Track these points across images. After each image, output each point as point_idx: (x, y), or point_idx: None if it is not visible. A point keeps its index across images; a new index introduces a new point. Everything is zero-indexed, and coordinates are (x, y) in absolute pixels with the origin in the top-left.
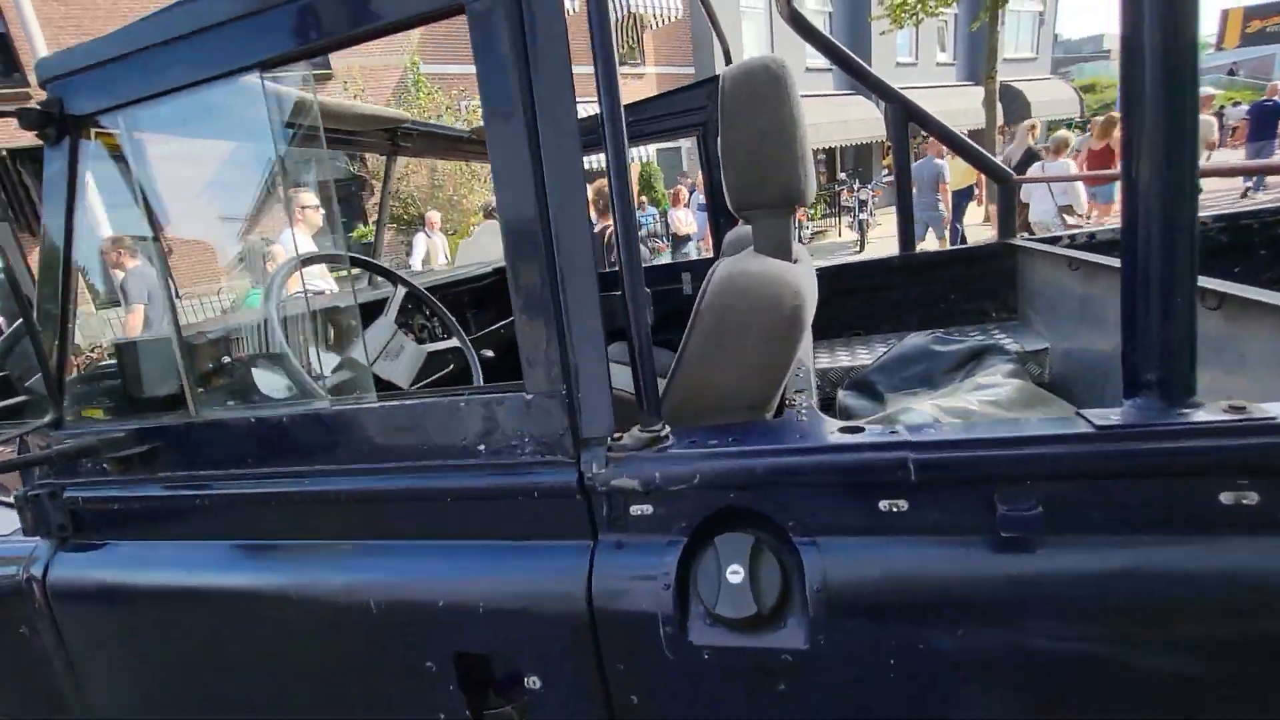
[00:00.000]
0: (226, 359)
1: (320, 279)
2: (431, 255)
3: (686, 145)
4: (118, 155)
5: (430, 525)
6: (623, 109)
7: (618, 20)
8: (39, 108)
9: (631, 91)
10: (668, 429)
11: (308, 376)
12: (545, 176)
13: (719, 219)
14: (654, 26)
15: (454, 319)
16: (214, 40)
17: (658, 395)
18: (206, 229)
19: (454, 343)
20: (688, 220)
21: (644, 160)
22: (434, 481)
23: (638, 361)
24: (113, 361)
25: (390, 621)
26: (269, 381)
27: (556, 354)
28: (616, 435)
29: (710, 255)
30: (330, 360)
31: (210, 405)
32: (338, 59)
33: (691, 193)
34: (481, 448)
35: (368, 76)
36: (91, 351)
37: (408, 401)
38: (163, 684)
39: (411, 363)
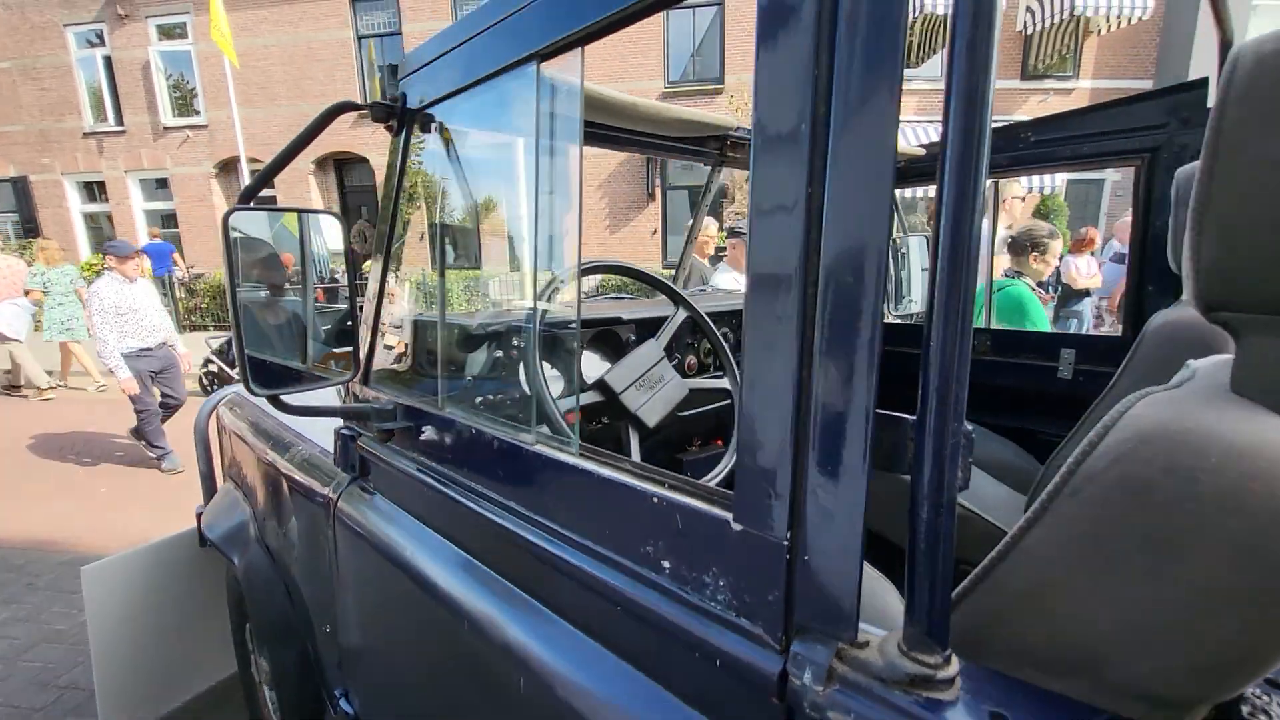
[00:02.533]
0: (483, 358)
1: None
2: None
3: (1116, 177)
4: (435, 147)
5: (599, 624)
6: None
7: (1055, 25)
8: (387, 102)
9: (1053, 109)
10: (955, 665)
11: (553, 406)
12: (825, 216)
13: (1145, 287)
14: (1104, 30)
15: (731, 358)
16: (526, 20)
17: (948, 595)
18: (502, 224)
19: (724, 383)
20: (1089, 271)
21: (1047, 192)
22: (610, 578)
23: (926, 526)
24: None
25: (529, 696)
26: (508, 390)
27: (786, 480)
28: (859, 639)
29: (1114, 334)
30: (575, 375)
31: (453, 400)
32: (730, 75)
33: (1107, 241)
34: (666, 564)
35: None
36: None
37: (603, 470)
38: (379, 633)
39: (668, 398)
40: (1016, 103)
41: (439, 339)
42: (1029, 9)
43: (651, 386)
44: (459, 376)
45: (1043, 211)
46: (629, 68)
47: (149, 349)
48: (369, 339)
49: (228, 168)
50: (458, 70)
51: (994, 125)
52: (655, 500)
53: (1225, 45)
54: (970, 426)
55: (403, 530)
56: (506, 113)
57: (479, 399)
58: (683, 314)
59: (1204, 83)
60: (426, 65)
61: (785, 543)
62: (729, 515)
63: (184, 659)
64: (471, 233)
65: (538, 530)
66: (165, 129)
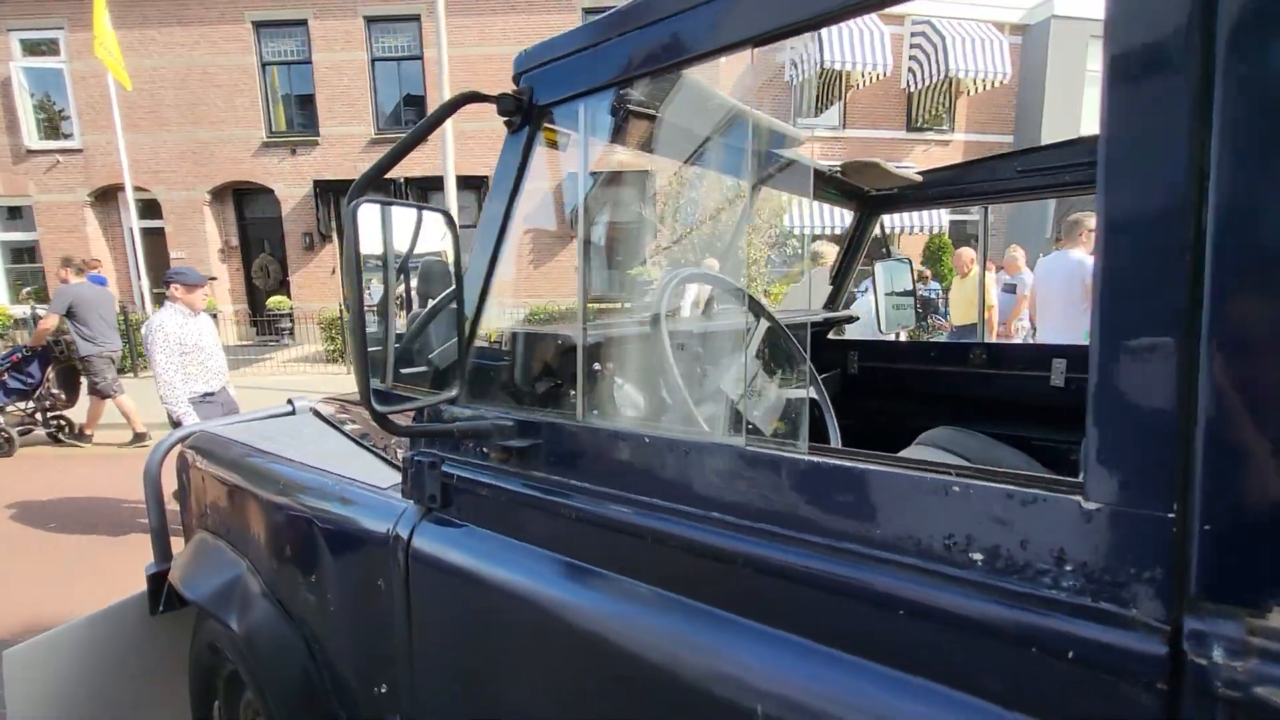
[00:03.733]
0: (613, 365)
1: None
2: (700, 301)
3: (992, 218)
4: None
5: (863, 636)
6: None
7: (933, 85)
8: (511, 95)
9: (934, 159)
10: None
11: (693, 408)
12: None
13: None
14: (972, 91)
15: (815, 369)
16: (699, 18)
17: None
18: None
19: (808, 394)
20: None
21: (935, 232)
22: (892, 583)
23: None
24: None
25: None
26: (651, 401)
27: (1169, 451)
28: (1265, 607)
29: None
30: (695, 390)
31: (598, 412)
32: None
33: (997, 271)
34: (978, 557)
35: None
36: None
37: (858, 465)
38: (484, 680)
39: (771, 410)
40: (904, 151)
41: (582, 349)
42: (910, 70)
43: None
44: (616, 387)
45: (932, 248)
46: None
47: (212, 394)
48: (467, 354)
49: (105, 196)
50: (614, 63)
51: (988, 156)
52: (958, 489)
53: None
54: None
55: (532, 562)
56: (685, 108)
57: (627, 408)
58: (764, 325)
59: None
60: (567, 57)
61: (1170, 515)
62: (1075, 495)
63: None
64: (608, 240)
65: (765, 541)
66: (28, 152)
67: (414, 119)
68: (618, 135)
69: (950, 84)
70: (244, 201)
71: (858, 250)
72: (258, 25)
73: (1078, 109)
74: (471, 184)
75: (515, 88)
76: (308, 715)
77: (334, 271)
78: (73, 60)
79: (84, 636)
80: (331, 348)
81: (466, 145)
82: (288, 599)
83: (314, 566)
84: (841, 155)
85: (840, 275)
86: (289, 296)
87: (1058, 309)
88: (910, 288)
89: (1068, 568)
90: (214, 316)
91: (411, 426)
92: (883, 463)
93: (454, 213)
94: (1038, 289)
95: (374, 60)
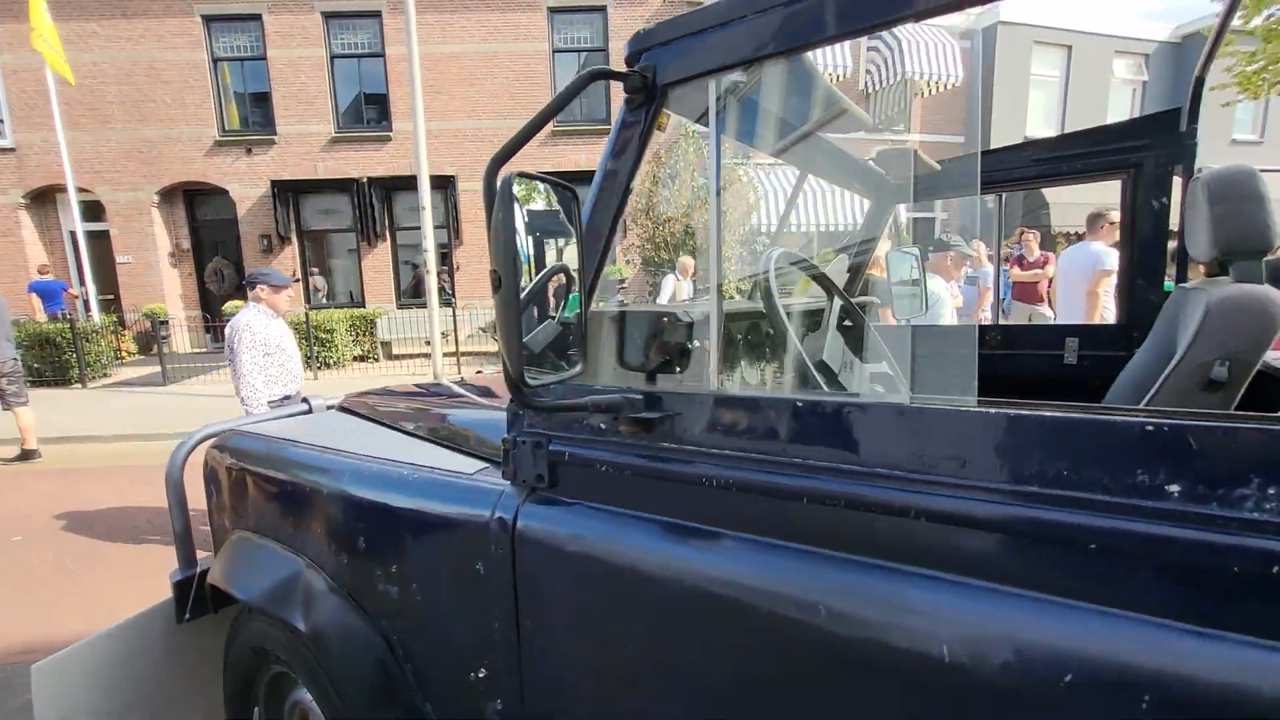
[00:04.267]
0: (738, 337)
1: None
2: (677, 296)
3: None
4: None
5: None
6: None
7: (890, 86)
8: (638, 72)
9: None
10: None
11: (814, 370)
12: None
13: (1136, 279)
14: (926, 93)
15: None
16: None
17: None
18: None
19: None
20: (951, 293)
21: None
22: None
23: None
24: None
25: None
26: (774, 367)
27: None
28: None
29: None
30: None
31: (732, 381)
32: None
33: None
34: (1175, 489)
35: None
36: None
37: (1036, 413)
38: (605, 657)
39: (861, 383)
40: (865, 150)
41: (717, 320)
42: (868, 72)
43: (847, 371)
44: (729, 358)
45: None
46: (518, 106)
47: (290, 397)
48: (583, 329)
49: (42, 198)
50: (746, 42)
51: (1005, 145)
52: (1150, 428)
53: (1199, 80)
54: None
55: (665, 534)
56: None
57: (762, 376)
58: (838, 303)
59: (1177, 112)
60: (696, 35)
61: None
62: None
63: None
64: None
65: (934, 490)
66: None
67: (375, 118)
68: (734, 117)
69: (906, 86)
70: (196, 203)
71: (874, 238)
72: (208, 19)
73: (1023, 111)
74: (438, 184)
75: (630, 65)
76: (386, 710)
77: (294, 275)
78: (2, 53)
79: (109, 648)
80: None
81: (432, 145)
82: (360, 593)
83: (395, 557)
84: None
85: (857, 262)
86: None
87: (1078, 295)
88: (919, 276)
89: (1270, 490)
90: (164, 323)
91: (555, 404)
92: (1060, 410)
93: (427, 211)
94: (1059, 278)
95: (333, 57)
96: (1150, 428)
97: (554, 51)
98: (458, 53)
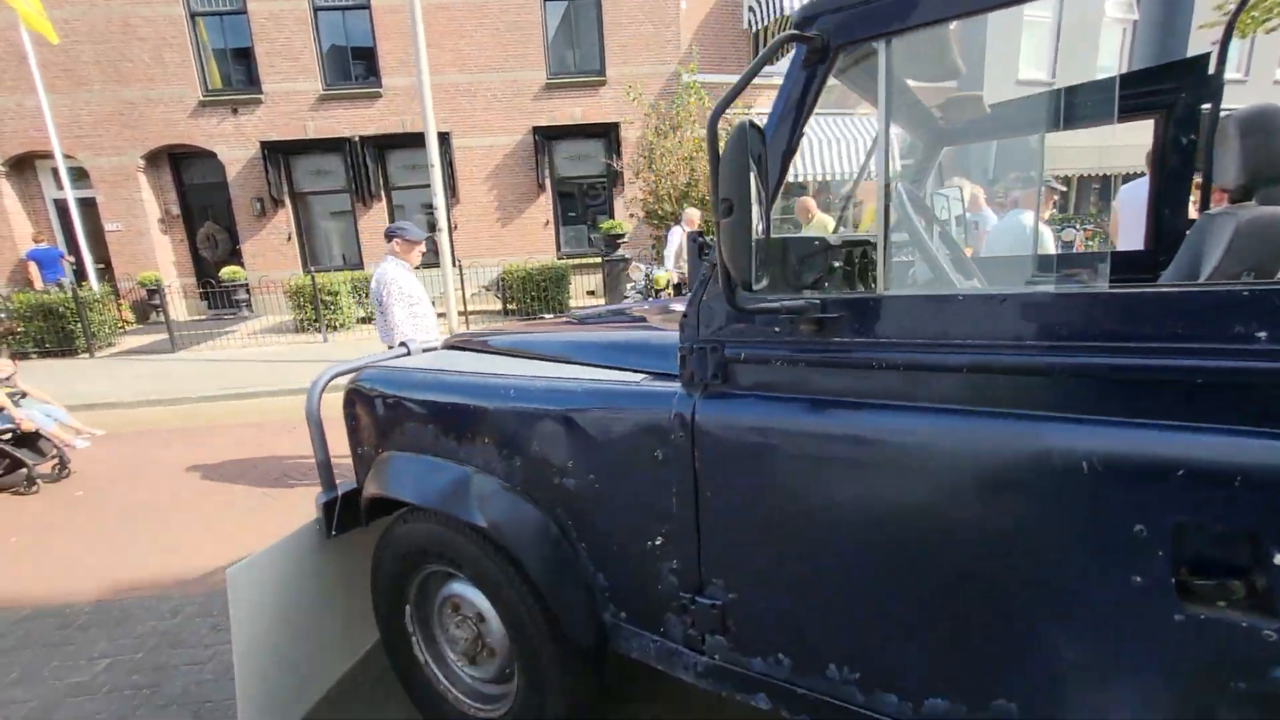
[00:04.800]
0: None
1: None
2: (684, 249)
3: None
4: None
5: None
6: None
7: (774, 23)
8: (819, 34)
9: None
10: None
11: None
12: None
13: (1163, 210)
14: None
15: None
16: None
17: None
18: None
19: None
20: None
21: None
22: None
23: None
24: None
25: (1103, 486)
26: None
27: None
28: None
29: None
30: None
31: (897, 286)
32: (612, 68)
33: None
34: (1263, 335)
35: (635, 83)
36: None
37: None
38: (777, 510)
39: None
40: (750, 95)
41: (880, 240)
42: (750, 8)
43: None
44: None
45: None
46: (509, 58)
47: (433, 346)
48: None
49: (22, 165)
50: (924, 6)
51: (1041, 89)
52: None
53: (1229, 28)
54: None
55: (834, 409)
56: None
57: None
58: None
59: (1206, 56)
60: (872, 1)
61: None
62: None
63: (315, 654)
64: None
65: (1096, 354)
66: None
67: (363, 73)
68: (907, 75)
69: (787, 21)
70: (182, 167)
71: (923, 180)
72: None
73: (1015, 55)
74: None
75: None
76: (562, 582)
77: (289, 238)
78: None
79: (282, 556)
80: (301, 316)
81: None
82: (533, 490)
83: (572, 455)
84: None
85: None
86: (243, 267)
87: (1133, 229)
88: (960, 214)
89: None
90: (156, 289)
91: (759, 306)
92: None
93: (436, 169)
94: (1120, 213)
95: (316, 9)
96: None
97: (544, 0)
98: (446, 3)
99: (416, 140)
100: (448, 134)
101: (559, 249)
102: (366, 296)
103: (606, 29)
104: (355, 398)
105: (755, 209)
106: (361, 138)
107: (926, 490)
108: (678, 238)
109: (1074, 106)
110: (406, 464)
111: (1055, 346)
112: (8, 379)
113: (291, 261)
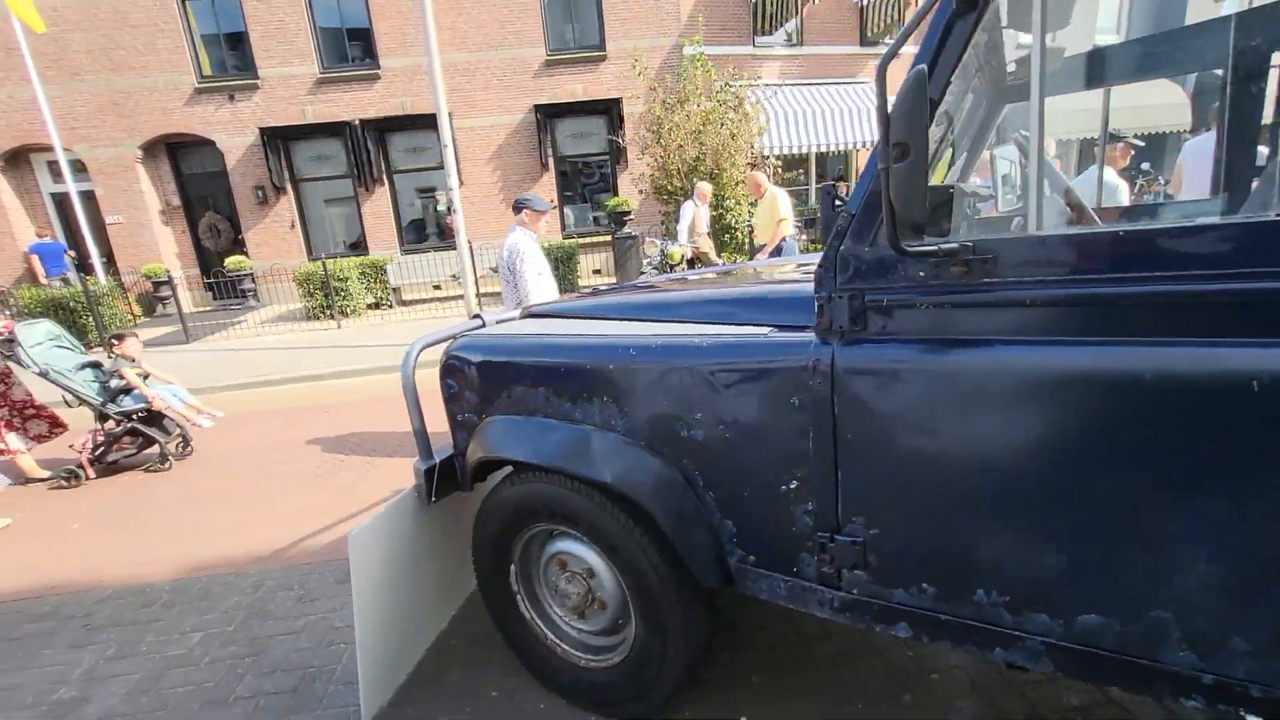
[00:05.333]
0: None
1: None
2: (697, 224)
3: None
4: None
5: None
6: None
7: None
8: None
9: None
10: None
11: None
12: None
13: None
14: (917, 2)
15: None
16: None
17: None
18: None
19: None
20: None
21: None
22: None
23: None
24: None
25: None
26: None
27: None
28: None
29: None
30: None
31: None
32: (612, 42)
33: None
34: None
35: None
36: None
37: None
38: (920, 450)
39: None
40: (859, 65)
41: (1035, 187)
42: None
43: None
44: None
45: None
46: (508, 35)
47: (509, 318)
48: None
49: (16, 159)
50: None
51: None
52: None
53: None
54: None
55: (987, 349)
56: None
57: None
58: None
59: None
60: None
61: None
62: None
63: (418, 615)
64: None
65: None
66: None
67: (360, 54)
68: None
69: None
70: (180, 156)
71: (985, 136)
72: None
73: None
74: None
75: None
76: (691, 529)
77: (293, 226)
78: None
79: (393, 519)
80: (311, 304)
81: (424, 82)
82: (657, 444)
83: (703, 407)
84: (799, 73)
85: (967, 161)
86: (246, 255)
87: (1198, 182)
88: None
89: None
90: (165, 282)
91: (920, 249)
92: None
93: (449, 149)
94: (1184, 165)
95: None
96: None
97: None
98: None
99: (417, 122)
100: (449, 114)
101: (564, 228)
102: (375, 282)
103: (605, 2)
104: (456, 366)
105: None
106: (361, 121)
107: (1087, 417)
108: (690, 212)
109: (1151, 57)
110: (518, 426)
111: (1228, 274)
112: (134, 360)
113: (295, 249)
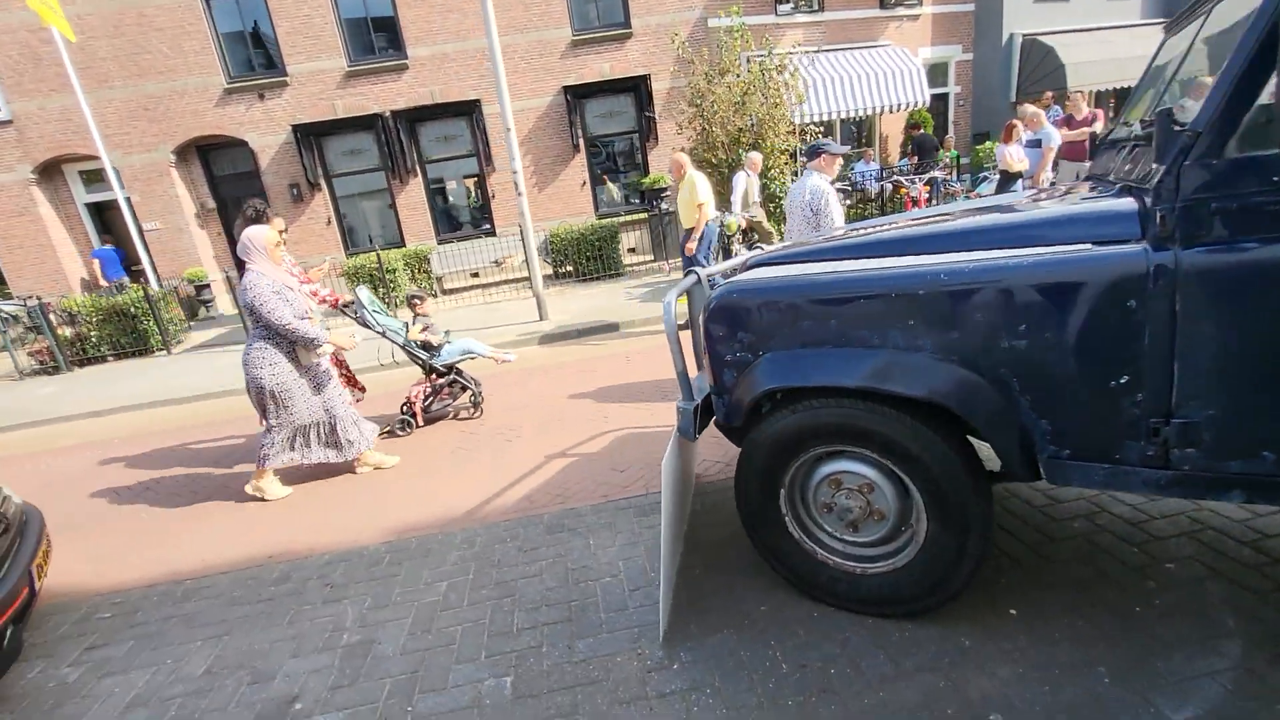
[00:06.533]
0: None
1: None
2: (750, 193)
3: (957, 89)
4: None
5: None
6: None
7: None
8: None
9: (905, 36)
10: None
11: None
12: None
13: None
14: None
15: None
16: None
17: None
18: None
19: None
20: (1019, 157)
21: (917, 107)
22: None
23: None
24: None
25: None
26: None
27: None
28: None
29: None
30: None
31: None
32: (637, 18)
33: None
34: None
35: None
36: None
37: None
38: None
39: None
40: (879, 29)
41: None
42: None
43: None
44: None
45: (913, 121)
46: (532, 17)
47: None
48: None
49: (50, 171)
50: None
51: None
52: None
53: None
54: None
55: None
56: None
57: None
58: None
59: None
60: None
61: None
62: None
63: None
64: None
65: None
66: None
67: (386, 45)
68: None
69: None
70: (211, 158)
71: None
72: None
73: None
74: (462, 109)
75: None
76: (1004, 430)
77: (329, 222)
78: None
79: (674, 456)
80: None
81: (451, 69)
82: (971, 358)
83: (1026, 320)
84: (821, 39)
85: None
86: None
87: None
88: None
89: None
90: (206, 285)
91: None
92: None
93: (513, 135)
94: None
95: None
96: None
97: None
98: None
99: (448, 110)
100: (478, 101)
101: (596, 208)
102: (419, 273)
103: None
104: (729, 309)
105: None
106: (393, 112)
107: None
108: (743, 183)
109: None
110: (816, 356)
111: None
112: (429, 317)
113: (333, 245)
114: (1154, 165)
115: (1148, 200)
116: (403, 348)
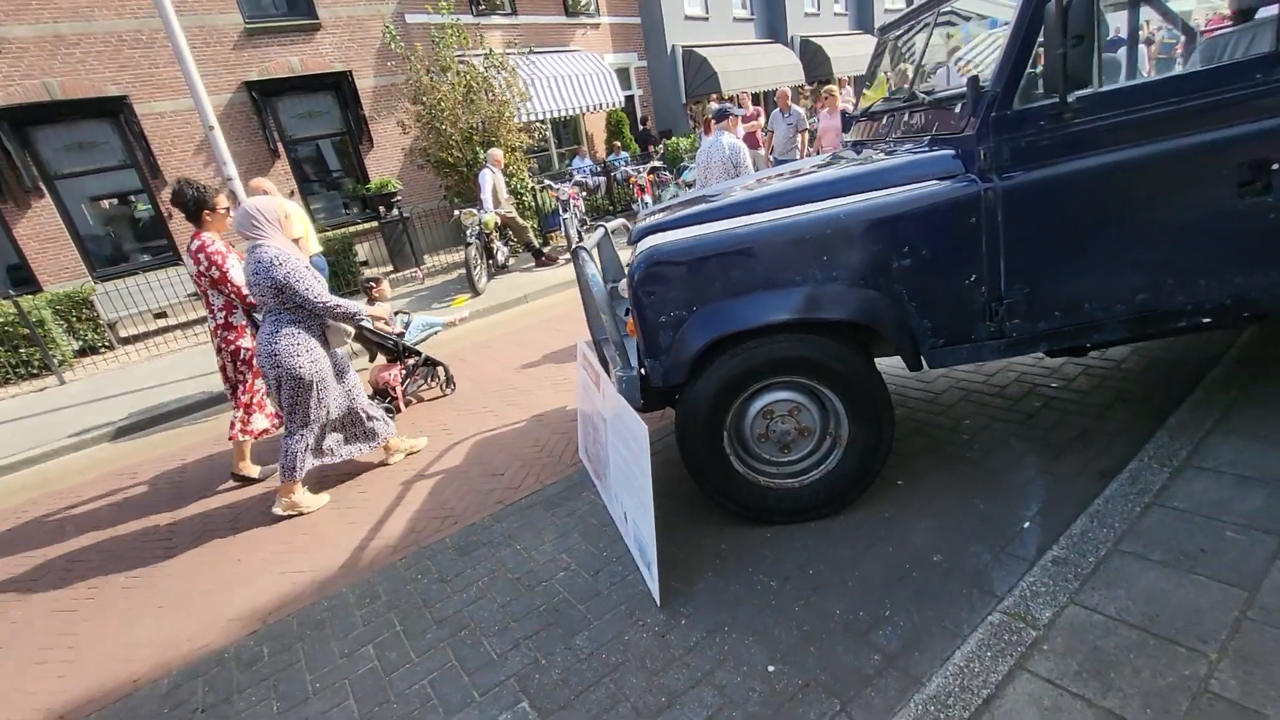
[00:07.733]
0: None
1: None
2: (499, 189)
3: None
4: None
5: None
6: None
7: None
8: None
9: (591, 43)
10: None
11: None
12: None
13: None
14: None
15: None
16: None
17: None
18: None
19: None
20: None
21: (614, 106)
22: None
23: None
24: None
25: None
26: None
27: None
28: None
29: None
30: None
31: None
32: (324, 9)
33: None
34: None
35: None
36: None
37: None
38: (1068, 234)
39: None
40: (568, 36)
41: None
42: None
43: None
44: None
45: (615, 120)
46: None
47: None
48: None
49: None
50: None
51: None
52: None
53: None
54: None
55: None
56: None
57: None
58: None
59: None
60: None
61: None
62: None
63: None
64: None
65: None
66: None
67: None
68: None
69: None
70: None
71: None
72: None
73: None
74: (102, 109)
75: None
76: (903, 333)
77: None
78: None
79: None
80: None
81: (69, 54)
82: (872, 281)
83: (908, 242)
84: (520, 41)
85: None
86: None
87: None
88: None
89: None
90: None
91: (1079, 102)
92: None
93: (217, 133)
94: None
95: None
96: None
97: None
98: None
99: (78, 111)
100: (122, 98)
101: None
102: (79, 321)
103: None
104: (658, 273)
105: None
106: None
107: (1164, 180)
108: (489, 180)
109: None
110: (750, 301)
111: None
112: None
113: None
114: (970, 118)
115: (970, 144)
116: (371, 333)
